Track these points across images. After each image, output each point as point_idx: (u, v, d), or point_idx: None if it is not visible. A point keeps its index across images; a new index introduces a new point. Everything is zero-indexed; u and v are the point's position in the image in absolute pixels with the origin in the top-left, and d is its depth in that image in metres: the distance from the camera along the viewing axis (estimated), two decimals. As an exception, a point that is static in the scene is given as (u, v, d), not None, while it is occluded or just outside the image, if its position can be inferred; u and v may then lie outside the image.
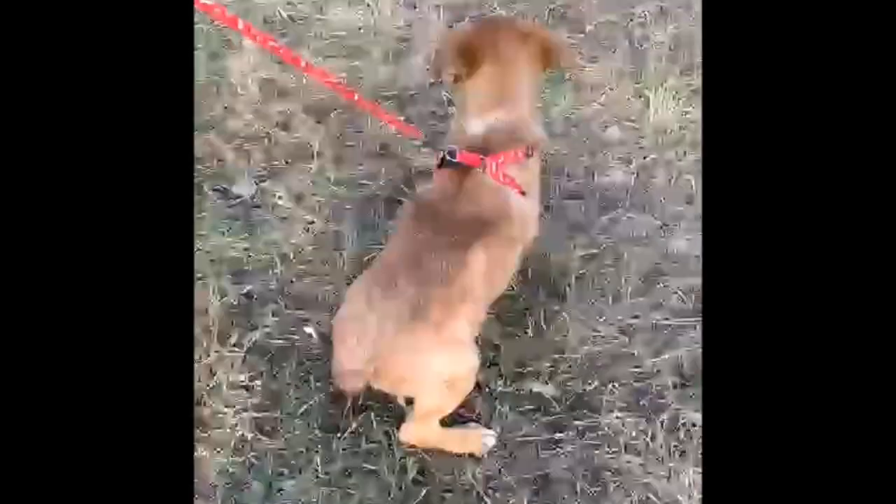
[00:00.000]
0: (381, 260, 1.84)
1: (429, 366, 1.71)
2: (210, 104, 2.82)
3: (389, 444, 1.82)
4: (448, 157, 1.80)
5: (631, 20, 3.18)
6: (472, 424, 1.89)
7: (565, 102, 2.85)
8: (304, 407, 1.89)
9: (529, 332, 2.10)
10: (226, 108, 2.83)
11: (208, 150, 2.61)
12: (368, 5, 3.31)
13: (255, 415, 1.87)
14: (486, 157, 1.78)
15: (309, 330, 2.02)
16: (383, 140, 2.63)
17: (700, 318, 2.12)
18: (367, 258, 2.24)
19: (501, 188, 1.79)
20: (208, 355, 1.96)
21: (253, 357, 1.99)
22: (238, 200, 2.47)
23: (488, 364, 1.99)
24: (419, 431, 1.81)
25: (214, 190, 2.50)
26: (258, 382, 1.93)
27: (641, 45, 3.04)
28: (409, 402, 1.81)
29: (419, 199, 1.88)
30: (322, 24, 3.24)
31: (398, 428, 1.82)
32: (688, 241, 2.38)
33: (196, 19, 3.12)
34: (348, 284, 2.17)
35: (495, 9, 3.23)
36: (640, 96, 2.83)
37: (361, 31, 3.24)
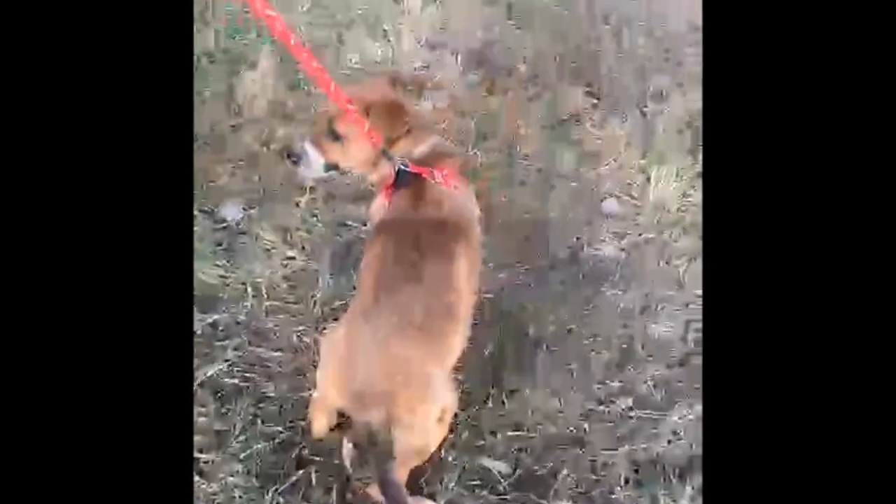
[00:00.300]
0: (363, 287, 1.76)
1: (434, 389, 1.65)
2: (215, 119, 2.82)
3: (325, 504, 1.78)
4: (402, 168, 1.84)
5: (647, 92, 3.15)
6: (417, 497, 1.84)
7: (567, 166, 2.82)
8: (248, 452, 1.85)
9: (490, 402, 2.05)
10: (232, 126, 2.83)
11: (204, 166, 2.60)
12: (389, 40, 3.31)
13: (195, 454, 1.83)
14: (434, 170, 1.85)
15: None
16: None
17: (665, 415, 2.07)
18: (340, 303, 2.22)
19: (456, 193, 1.86)
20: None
21: (204, 392, 1.95)
22: (223, 224, 2.45)
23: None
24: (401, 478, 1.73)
25: (202, 211, 2.48)
26: (204, 420, 1.90)
27: (653, 119, 3.01)
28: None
29: (386, 220, 1.85)
30: (340, 53, 3.24)
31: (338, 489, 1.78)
32: (669, 329, 2.34)
33: (215, 30, 3.15)
34: (317, 328, 2.16)
35: (512, 62, 3.23)
36: (642, 171, 2.79)
37: (378, 63, 3.24)
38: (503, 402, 2.06)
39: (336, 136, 1.87)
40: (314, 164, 1.91)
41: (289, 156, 1.96)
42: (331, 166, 1.93)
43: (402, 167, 1.85)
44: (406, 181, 1.84)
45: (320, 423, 1.89)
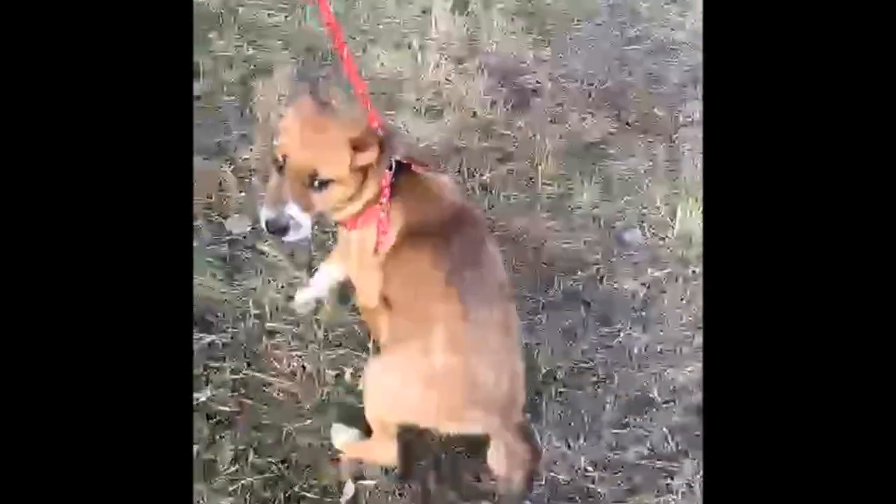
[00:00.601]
0: (436, 304, 1.66)
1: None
2: (227, 129, 2.75)
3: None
4: (398, 161, 1.77)
5: (677, 120, 3.03)
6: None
7: (589, 194, 2.71)
8: (237, 486, 1.76)
9: (495, 444, 1.95)
10: (244, 135, 2.76)
11: (213, 178, 2.52)
12: (412, 51, 3.24)
13: (182, 485, 1.74)
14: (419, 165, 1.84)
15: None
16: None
17: (677, 465, 1.96)
18: (342, 330, 2.13)
19: (448, 183, 1.88)
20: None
21: (197, 418, 1.86)
22: (227, 239, 2.37)
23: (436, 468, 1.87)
24: None
25: (209, 222, 2.41)
26: (195, 448, 1.81)
27: (682, 148, 2.89)
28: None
29: (407, 231, 1.75)
30: (362, 64, 3.16)
31: None
32: (687, 374, 2.21)
33: (232, 40, 3.08)
34: (319, 357, 2.06)
35: (539, 82, 3.13)
36: (666, 204, 2.67)
37: (401, 77, 3.16)
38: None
39: (323, 184, 1.63)
40: (304, 225, 1.64)
41: (273, 230, 1.63)
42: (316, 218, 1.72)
43: (396, 160, 1.76)
44: (398, 179, 1.76)
45: (391, 449, 1.81)
